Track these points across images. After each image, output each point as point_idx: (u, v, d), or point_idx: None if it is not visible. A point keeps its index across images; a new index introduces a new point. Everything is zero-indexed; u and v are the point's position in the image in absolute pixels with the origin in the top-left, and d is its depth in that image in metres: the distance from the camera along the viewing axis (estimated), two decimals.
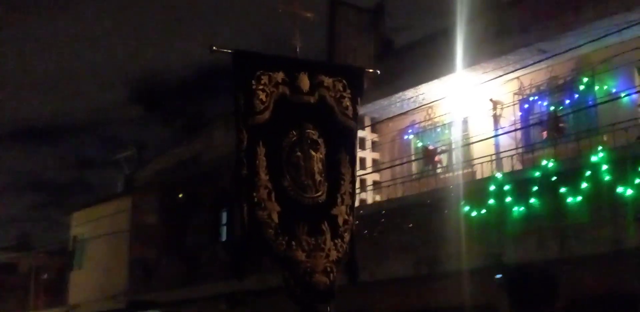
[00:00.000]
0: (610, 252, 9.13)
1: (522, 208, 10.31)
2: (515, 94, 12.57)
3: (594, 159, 9.67)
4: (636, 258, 8.99)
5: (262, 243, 4.73)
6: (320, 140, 5.07)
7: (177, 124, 26.26)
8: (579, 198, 9.65)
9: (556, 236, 9.85)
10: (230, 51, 4.81)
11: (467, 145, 12.85)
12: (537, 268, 10.13)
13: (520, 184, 10.51)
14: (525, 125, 12.30)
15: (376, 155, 14.95)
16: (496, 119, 12.72)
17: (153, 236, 20.31)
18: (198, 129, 20.69)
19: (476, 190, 11.13)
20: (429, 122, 14.04)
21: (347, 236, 5.05)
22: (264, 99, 4.87)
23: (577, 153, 10.51)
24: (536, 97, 12.39)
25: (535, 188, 10.21)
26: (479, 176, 12.06)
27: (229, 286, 14.83)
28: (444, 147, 13.99)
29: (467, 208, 11.05)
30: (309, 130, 5.05)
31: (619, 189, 9.22)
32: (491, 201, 10.73)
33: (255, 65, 4.92)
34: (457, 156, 13.49)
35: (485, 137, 12.06)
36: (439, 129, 14.01)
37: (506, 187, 10.62)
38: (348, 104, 5.23)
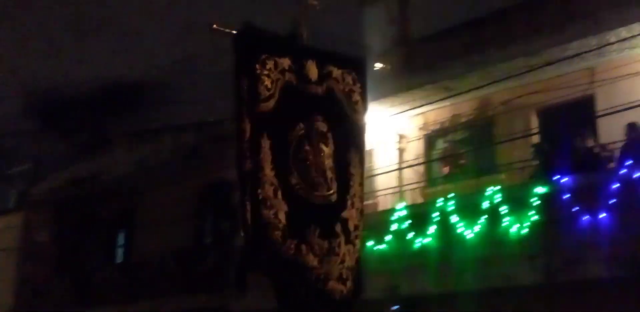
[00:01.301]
0: (503, 287, 9.45)
1: (421, 241, 10.54)
2: (420, 129, 12.92)
3: (491, 195, 10.02)
4: (527, 294, 9.33)
5: (268, 246, 4.11)
6: (329, 135, 4.54)
7: (76, 140, 25.53)
8: (476, 234, 9.96)
9: (453, 269, 10.10)
10: (233, 31, 4.36)
11: (371, 176, 13.07)
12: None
13: (421, 217, 10.76)
14: (428, 160, 12.64)
15: None
16: (401, 152, 13.01)
17: (44, 255, 19.57)
18: (98, 147, 20.20)
19: (378, 221, 11.30)
20: None
21: (358, 243, 4.56)
22: (270, 86, 4.32)
23: (476, 189, 10.87)
24: (440, 133, 12.77)
25: (435, 222, 10.47)
26: (381, 208, 12.25)
27: (123, 310, 14.42)
28: None
29: (368, 238, 11.20)
30: (318, 123, 4.52)
31: (515, 227, 9.59)
32: (392, 233, 10.92)
33: (260, 48, 4.39)
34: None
35: (389, 170, 12.31)
36: None
37: (407, 220, 10.84)
38: (358, 98, 4.78)
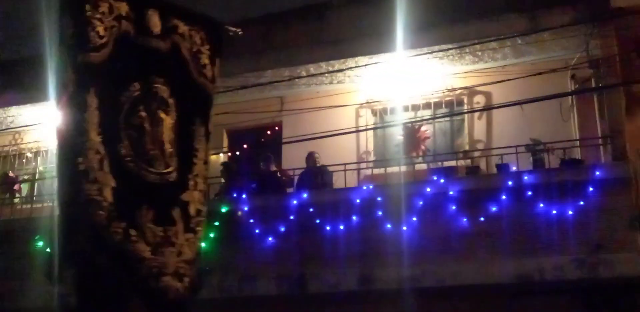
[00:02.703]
0: None
1: None
2: None
3: None
4: (201, 309, 9.71)
5: (89, 228, 3.37)
6: (171, 101, 3.87)
7: None
8: None
9: None
10: None
11: (52, 178, 12.54)
12: None
13: None
14: None
15: None
16: None
17: None
18: None
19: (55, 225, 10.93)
20: (14, 148, 13.38)
21: (200, 231, 3.98)
22: (102, 33, 3.63)
23: None
24: None
25: None
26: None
27: None
28: (26, 177, 13.42)
29: (41, 243, 10.78)
30: (158, 85, 3.85)
31: None
32: None
33: None
34: (39, 187, 13.07)
35: None
36: (24, 157, 13.43)
37: None
38: (206, 62, 4.14)
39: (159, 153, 3.75)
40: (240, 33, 4.55)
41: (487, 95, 11.08)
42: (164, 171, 3.74)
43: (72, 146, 3.47)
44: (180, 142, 3.90)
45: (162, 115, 3.83)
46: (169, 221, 3.70)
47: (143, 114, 3.77)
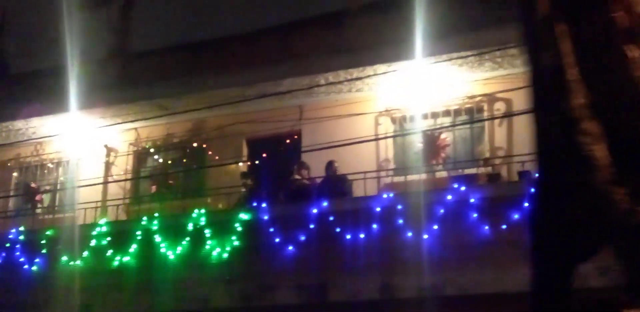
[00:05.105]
0: (199, 311, 9.74)
1: (120, 259, 10.47)
2: (131, 144, 12.81)
3: (196, 218, 10.30)
4: None
5: (583, 195, 2.68)
6: (631, 35, 2.97)
7: None
8: (178, 255, 10.16)
9: (148, 291, 10.16)
10: None
11: (73, 188, 12.63)
12: None
13: (123, 234, 10.67)
14: (136, 176, 12.57)
15: None
16: (108, 166, 12.78)
17: None
18: None
19: (76, 236, 10.99)
20: (36, 159, 13.50)
21: None
22: None
23: (181, 211, 11.06)
24: (152, 151, 12.77)
25: (137, 240, 10.47)
26: (80, 221, 11.88)
27: None
28: (47, 187, 13.53)
29: (63, 253, 10.84)
30: (619, 15, 2.98)
31: (216, 251, 9.96)
32: (90, 249, 10.69)
33: None
34: (61, 197, 13.16)
35: (94, 183, 12.00)
36: (46, 167, 13.54)
37: (108, 237, 10.69)
38: None
39: (632, 100, 2.80)
40: None
41: (508, 101, 11.00)
42: None
43: (554, 82, 2.79)
44: None
45: (631, 50, 2.89)
46: None
47: (607, 52, 2.89)
